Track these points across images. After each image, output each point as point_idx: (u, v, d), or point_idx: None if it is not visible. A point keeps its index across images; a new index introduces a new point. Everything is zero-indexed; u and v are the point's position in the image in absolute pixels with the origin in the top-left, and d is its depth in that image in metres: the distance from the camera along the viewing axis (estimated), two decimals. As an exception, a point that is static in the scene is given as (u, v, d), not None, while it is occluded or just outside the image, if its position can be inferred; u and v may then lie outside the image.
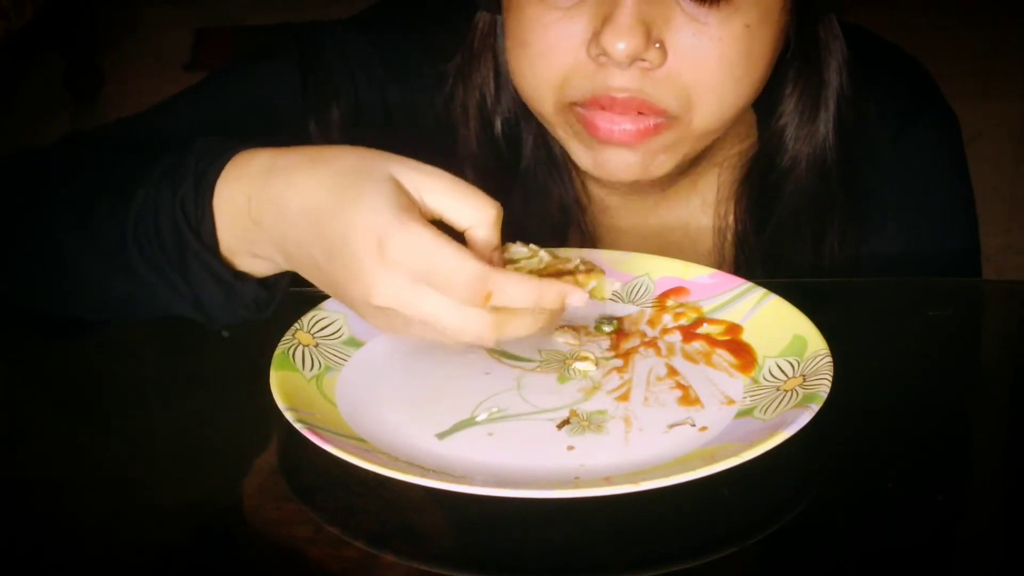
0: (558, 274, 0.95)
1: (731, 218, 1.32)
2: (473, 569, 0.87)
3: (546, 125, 1.22)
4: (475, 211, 0.95)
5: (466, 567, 0.88)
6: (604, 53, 1.10)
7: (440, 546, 0.90)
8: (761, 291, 1.12)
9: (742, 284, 1.14)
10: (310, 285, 0.98)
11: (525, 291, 0.91)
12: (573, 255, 0.99)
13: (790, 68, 1.23)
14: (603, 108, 1.13)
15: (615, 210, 1.33)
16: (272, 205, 0.96)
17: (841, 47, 1.24)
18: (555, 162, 1.29)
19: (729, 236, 1.32)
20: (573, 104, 1.15)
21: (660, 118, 1.14)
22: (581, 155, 1.18)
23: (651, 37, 1.10)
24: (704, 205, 1.33)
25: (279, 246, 0.97)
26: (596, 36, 1.11)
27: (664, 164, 1.18)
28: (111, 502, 0.95)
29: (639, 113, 1.13)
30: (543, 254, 0.98)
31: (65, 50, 3.91)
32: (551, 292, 0.92)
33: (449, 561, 0.88)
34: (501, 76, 1.26)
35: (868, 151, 1.30)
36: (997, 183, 3.36)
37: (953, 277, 1.34)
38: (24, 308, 1.14)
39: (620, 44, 1.09)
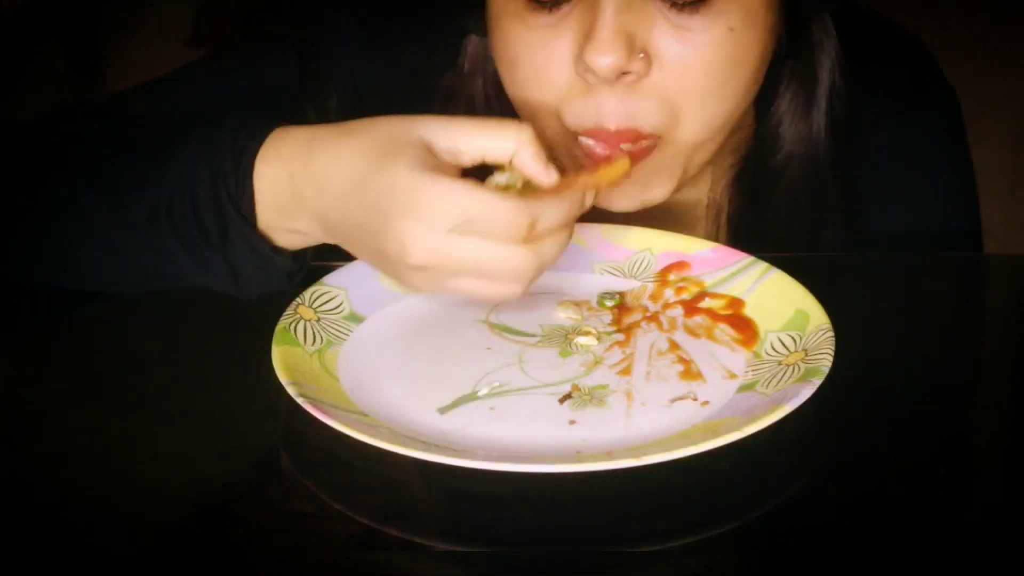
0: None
1: (723, 218, 1.31)
2: (474, 544, 0.88)
3: (552, 149, 1.21)
4: (511, 138, 0.97)
5: (468, 542, 0.88)
6: (589, 70, 1.09)
7: (441, 520, 0.90)
8: (763, 265, 1.12)
9: (744, 258, 1.14)
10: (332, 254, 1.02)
11: (563, 209, 0.96)
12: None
13: (783, 67, 1.22)
14: (601, 140, 1.13)
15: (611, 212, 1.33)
16: (315, 180, 0.99)
17: (835, 45, 1.23)
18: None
19: (724, 229, 1.32)
20: (575, 133, 1.14)
21: (649, 141, 1.13)
22: None
23: (634, 47, 1.09)
24: (700, 200, 1.32)
25: (321, 218, 1.00)
26: (580, 53, 1.09)
27: (664, 187, 1.17)
28: (112, 478, 0.95)
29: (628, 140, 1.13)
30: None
31: (67, 26, 3.90)
32: (576, 201, 0.97)
33: (451, 536, 0.88)
34: (489, 92, 1.26)
35: (868, 131, 1.30)
36: (999, 158, 3.36)
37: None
38: (33, 283, 1.14)
39: (604, 60, 1.08)
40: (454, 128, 0.97)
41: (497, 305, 1.10)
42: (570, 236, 0.98)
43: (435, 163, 0.95)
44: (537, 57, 1.13)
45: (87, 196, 1.07)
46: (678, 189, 1.20)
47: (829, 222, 1.28)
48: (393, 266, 0.97)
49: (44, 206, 1.10)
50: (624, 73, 1.09)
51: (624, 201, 1.18)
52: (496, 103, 1.26)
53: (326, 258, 1.11)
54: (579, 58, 1.10)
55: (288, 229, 1.04)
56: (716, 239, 1.30)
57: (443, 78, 1.28)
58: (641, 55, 1.09)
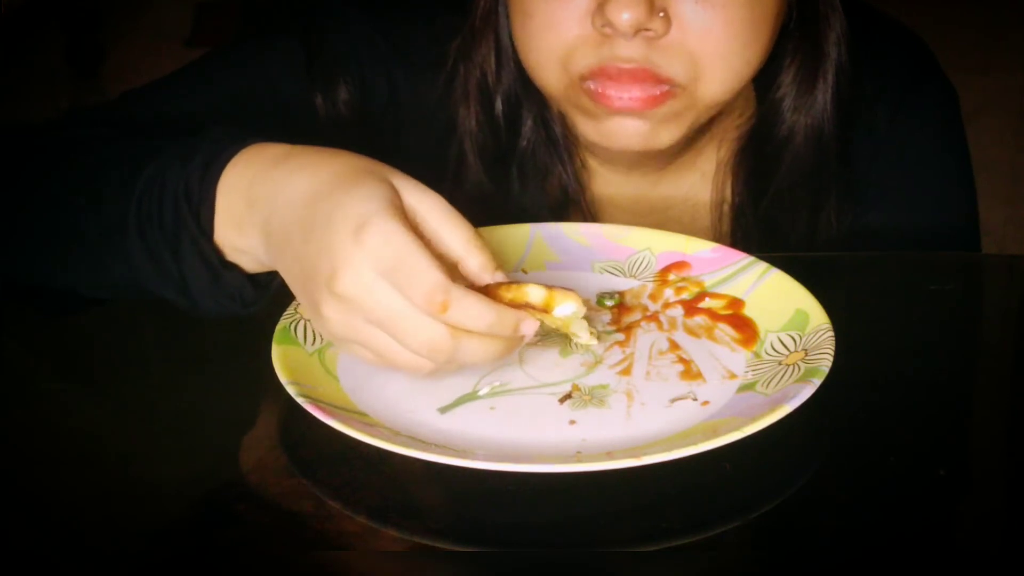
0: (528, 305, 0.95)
1: (728, 191, 1.32)
2: (474, 543, 0.88)
3: (550, 100, 1.22)
4: (460, 240, 0.94)
5: (467, 541, 0.88)
6: (609, 24, 1.10)
7: (441, 520, 0.90)
8: (763, 265, 1.12)
9: (744, 258, 1.14)
10: None
11: (481, 311, 0.91)
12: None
13: (789, 40, 1.23)
14: (610, 79, 1.13)
15: (615, 187, 1.33)
16: (270, 186, 0.96)
17: (840, 20, 1.24)
18: (555, 141, 1.29)
19: (726, 209, 1.32)
20: (580, 77, 1.15)
21: (667, 86, 1.14)
22: (587, 128, 1.18)
23: (655, 6, 1.10)
24: (703, 180, 1.33)
25: (263, 229, 0.96)
26: (600, 7, 1.11)
27: (671, 133, 1.18)
28: (113, 476, 0.95)
29: (646, 82, 1.13)
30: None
31: (67, 25, 3.90)
32: (508, 319, 0.92)
33: (450, 535, 0.88)
34: (502, 54, 1.26)
35: (867, 125, 1.30)
36: (998, 157, 3.36)
37: (952, 250, 1.34)
38: (30, 285, 1.15)
39: (625, 14, 1.09)
40: (420, 197, 0.94)
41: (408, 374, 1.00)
42: (497, 353, 0.93)
43: (398, 204, 0.92)
44: (553, 9, 1.14)
45: (74, 200, 1.07)
46: (683, 140, 1.21)
47: (830, 201, 1.29)
48: (317, 288, 0.92)
49: (34, 209, 1.10)
50: (643, 30, 1.11)
51: (629, 140, 1.18)
52: (509, 64, 1.26)
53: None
54: (599, 12, 1.11)
55: (235, 247, 0.99)
56: (719, 219, 1.31)
57: (452, 43, 1.28)
58: (661, 14, 1.11)
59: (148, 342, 1.12)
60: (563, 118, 1.26)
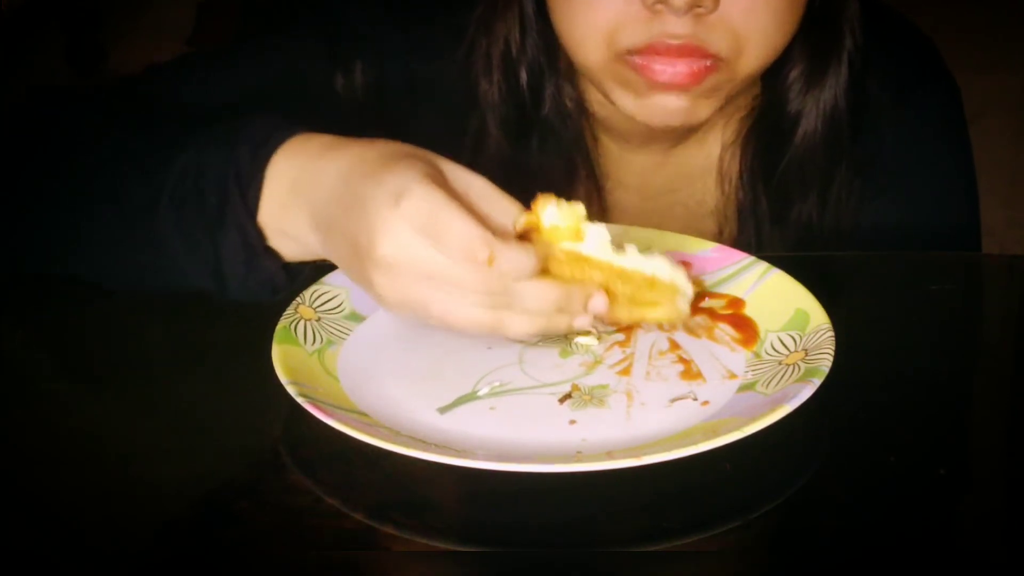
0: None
1: (736, 175, 1.32)
2: (474, 543, 0.88)
3: (588, 74, 1.22)
4: (509, 213, 0.97)
5: (467, 541, 0.88)
6: (663, 1, 1.10)
7: (441, 520, 0.90)
8: (764, 265, 1.12)
9: (745, 258, 1.14)
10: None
11: (524, 254, 0.94)
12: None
13: (803, 22, 1.23)
14: (658, 54, 1.14)
15: (623, 166, 1.33)
16: (316, 175, 0.99)
17: (855, 5, 1.26)
18: (567, 115, 1.29)
19: (733, 189, 1.32)
20: (627, 52, 1.15)
21: (710, 60, 1.15)
22: (627, 101, 1.19)
23: None
24: (708, 163, 1.33)
25: (309, 212, 0.99)
26: None
27: (709, 107, 1.19)
28: (113, 476, 0.95)
29: (692, 56, 1.14)
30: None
31: (67, 25, 3.90)
32: (565, 292, 0.96)
33: (450, 535, 0.88)
34: (526, 24, 1.26)
35: (871, 119, 1.30)
36: (999, 157, 3.35)
37: (952, 247, 1.34)
38: (37, 273, 1.14)
39: None
40: (472, 180, 0.97)
41: (467, 332, 1.02)
42: (559, 300, 0.96)
43: (437, 178, 0.94)
44: None
45: (97, 178, 1.07)
46: (715, 112, 1.22)
47: (840, 176, 1.29)
48: (362, 261, 0.95)
49: (53, 187, 1.10)
50: (695, 7, 1.11)
51: (670, 116, 1.18)
52: (532, 34, 1.27)
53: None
54: None
55: (281, 230, 1.02)
56: (726, 201, 1.31)
57: (472, 14, 1.29)
58: None
59: (148, 342, 1.12)
60: (577, 92, 1.27)
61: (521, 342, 1.05)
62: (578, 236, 0.98)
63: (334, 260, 1.00)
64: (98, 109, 1.19)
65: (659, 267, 1.00)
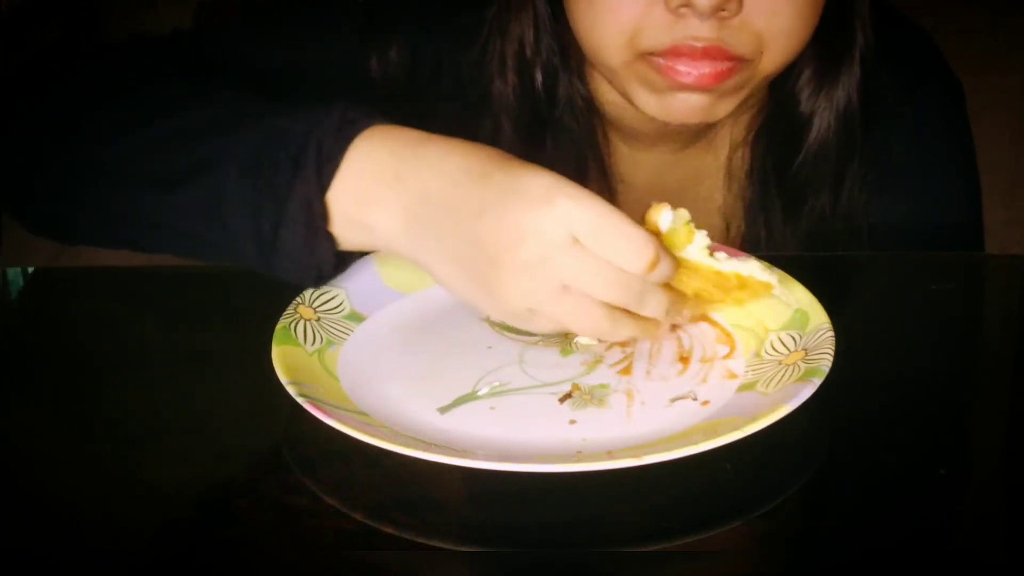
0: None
1: (744, 173, 1.32)
2: (473, 543, 0.88)
3: (607, 74, 1.22)
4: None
5: (467, 541, 0.88)
6: (688, 4, 1.10)
7: (440, 519, 0.90)
8: (764, 265, 1.12)
9: (746, 258, 1.13)
10: None
11: (673, 265, 0.96)
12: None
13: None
14: (682, 56, 1.14)
15: (632, 166, 1.33)
16: (421, 163, 0.96)
17: (866, 3, 1.26)
18: (579, 114, 1.29)
19: (744, 191, 1.32)
20: (649, 53, 1.15)
21: (733, 62, 1.15)
22: (647, 100, 1.18)
23: None
24: (718, 164, 1.34)
25: (408, 210, 0.96)
26: None
27: (728, 105, 1.19)
28: (113, 476, 0.95)
29: (716, 58, 1.14)
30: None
31: (66, 25, 3.90)
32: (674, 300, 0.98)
33: (450, 535, 0.88)
34: (540, 24, 1.26)
35: (879, 116, 1.30)
36: (999, 157, 3.35)
37: (956, 245, 1.34)
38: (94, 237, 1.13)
39: None
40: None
41: (598, 341, 1.06)
42: (668, 305, 0.98)
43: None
44: None
45: (147, 128, 1.06)
46: (735, 110, 1.22)
47: (852, 170, 1.30)
48: (495, 263, 0.93)
49: (104, 125, 1.09)
50: (720, 9, 1.11)
51: (690, 114, 1.18)
52: (547, 35, 1.27)
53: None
54: None
55: (356, 220, 0.99)
56: (734, 200, 1.31)
57: (488, 12, 1.29)
58: None
59: (148, 341, 1.12)
60: (588, 91, 1.27)
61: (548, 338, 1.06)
62: (689, 241, 0.99)
63: (431, 261, 0.97)
64: (167, 60, 1.19)
65: (752, 268, 1.02)
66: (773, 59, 1.17)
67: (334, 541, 0.87)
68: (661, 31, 1.13)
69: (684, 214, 0.98)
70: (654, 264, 0.93)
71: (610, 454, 0.90)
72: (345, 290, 1.09)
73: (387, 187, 0.97)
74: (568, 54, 1.25)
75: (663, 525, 0.88)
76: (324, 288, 1.09)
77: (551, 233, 0.91)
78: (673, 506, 0.90)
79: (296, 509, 0.90)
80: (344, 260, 1.03)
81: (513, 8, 1.26)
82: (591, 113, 1.30)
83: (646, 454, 0.88)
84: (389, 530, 0.87)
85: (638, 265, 0.92)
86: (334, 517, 0.89)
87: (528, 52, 1.27)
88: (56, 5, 3.88)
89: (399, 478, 0.91)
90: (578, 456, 0.91)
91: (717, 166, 1.34)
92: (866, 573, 0.85)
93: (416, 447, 0.90)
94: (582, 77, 1.28)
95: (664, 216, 0.97)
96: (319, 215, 0.98)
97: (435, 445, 0.91)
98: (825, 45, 1.25)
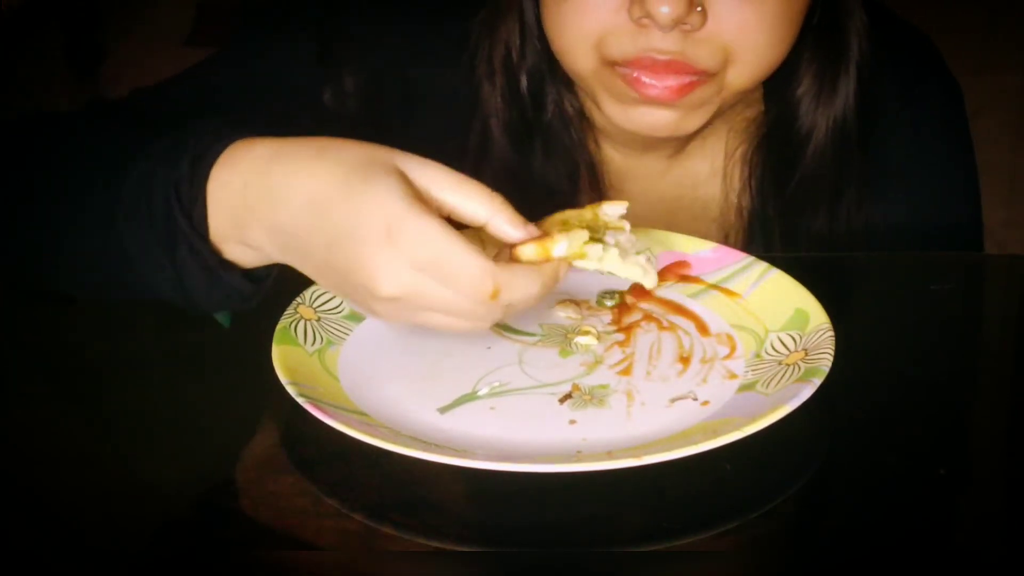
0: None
1: (741, 185, 1.32)
2: (473, 543, 0.88)
3: (577, 80, 1.22)
4: (485, 205, 0.94)
5: (468, 541, 0.88)
6: (648, 16, 1.10)
7: (441, 520, 0.90)
8: (763, 265, 1.12)
9: (744, 258, 1.14)
10: (297, 276, 0.98)
11: (529, 282, 0.92)
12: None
13: (809, 35, 1.23)
14: (645, 68, 1.14)
15: (625, 174, 1.33)
16: (269, 193, 0.95)
17: (861, 15, 1.25)
18: (568, 121, 1.29)
19: (740, 202, 1.32)
20: (613, 63, 1.15)
21: (698, 75, 1.14)
22: (614, 110, 1.18)
23: (693, 1, 1.10)
24: (713, 171, 1.33)
25: (272, 236, 0.96)
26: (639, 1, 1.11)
27: (698, 119, 1.19)
28: (113, 476, 0.95)
29: (680, 73, 1.14)
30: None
31: (66, 25, 3.90)
32: (550, 280, 0.93)
33: (450, 535, 0.88)
34: (526, 30, 1.26)
35: (877, 125, 1.30)
36: (999, 157, 3.36)
37: (955, 248, 1.34)
38: (14, 285, 1.14)
39: (664, 8, 1.09)
40: (430, 174, 0.94)
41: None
42: (540, 298, 0.94)
43: (414, 192, 0.91)
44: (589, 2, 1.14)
45: (54, 192, 1.06)
46: (706, 124, 1.21)
47: (850, 191, 1.29)
48: (359, 295, 0.93)
49: (15, 201, 1.10)
50: (680, 22, 1.11)
51: (657, 128, 1.18)
52: (533, 41, 1.26)
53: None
54: (637, 3, 1.11)
55: (239, 241, 0.98)
56: (729, 211, 1.31)
57: (475, 19, 1.28)
58: (699, 8, 1.11)
59: (148, 342, 1.12)
60: (578, 100, 1.27)
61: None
62: (579, 258, 0.96)
63: (313, 278, 0.98)
64: (82, 119, 1.18)
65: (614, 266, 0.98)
66: (741, 74, 1.16)
67: (334, 541, 0.87)
68: (625, 40, 1.13)
69: (582, 237, 0.95)
70: (495, 295, 0.91)
71: (610, 454, 0.90)
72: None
73: (248, 214, 0.96)
74: (555, 61, 1.25)
75: (663, 525, 0.88)
76: (324, 288, 1.08)
77: (397, 271, 0.90)
78: (673, 506, 0.90)
79: (296, 509, 0.90)
80: (264, 273, 1.02)
81: (501, 12, 1.26)
82: (581, 120, 1.29)
83: (646, 454, 0.88)
84: (389, 530, 0.87)
85: (478, 298, 0.91)
86: (334, 517, 0.89)
87: (514, 57, 1.27)
88: (56, 5, 3.88)
89: (399, 478, 0.91)
90: (578, 456, 0.92)
91: (713, 173, 1.34)
92: (866, 573, 0.85)
93: (416, 447, 0.90)
94: (570, 84, 1.28)
95: (559, 247, 0.94)
96: (208, 254, 0.98)
97: (435, 445, 0.91)
98: (822, 60, 1.25)
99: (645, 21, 1.11)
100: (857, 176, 1.29)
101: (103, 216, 1.01)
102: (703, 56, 1.13)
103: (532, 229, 0.95)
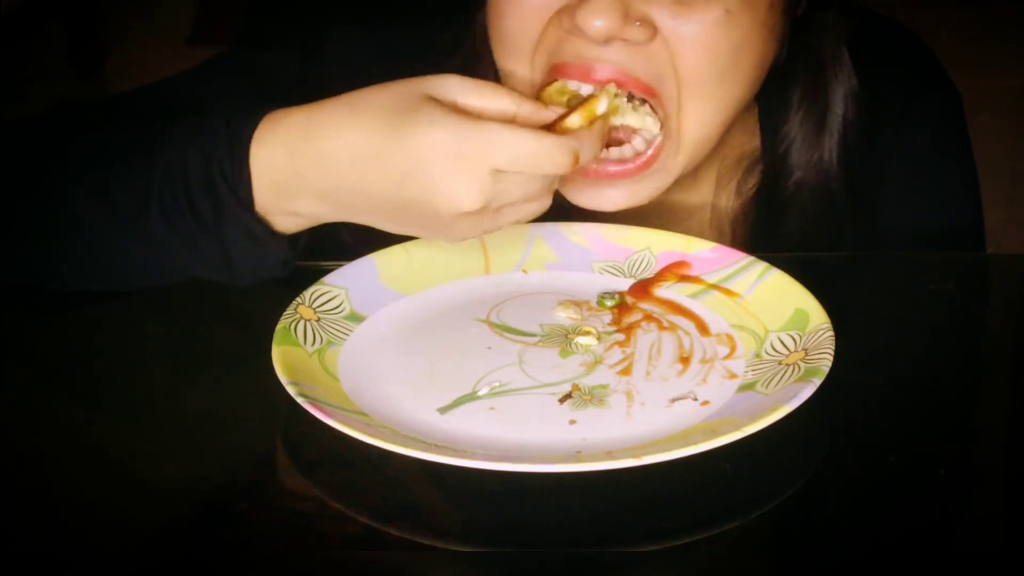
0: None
1: (732, 213, 1.31)
2: (474, 543, 0.88)
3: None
4: (506, 100, 1.00)
5: (468, 541, 0.88)
6: (577, 28, 1.09)
7: (441, 520, 0.90)
8: (763, 265, 1.12)
9: (744, 258, 1.14)
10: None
11: (593, 140, 1.02)
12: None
13: (795, 90, 1.23)
14: (582, 79, 1.11)
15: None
16: (319, 158, 0.99)
17: (849, 77, 1.23)
18: None
19: (729, 223, 1.31)
20: (553, 70, 1.13)
21: (650, 150, 1.14)
22: (566, 189, 1.16)
23: (630, 15, 1.09)
24: (702, 198, 1.31)
25: (327, 198, 1.01)
26: (570, 11, 1.10)
27: (656, 184, 1.17)
28: (113, 476, 0.95)
29: (620, 143, 1.14)
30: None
31: (68, 24, 3.90)
32: (601, 130, 1.04)
33: (451, 535, 0.88)
34: (500, 78, 1.25)
35: (873, 128, 1.30)
36: (998, 157, 3.36)
37: (957, 251, 1.34)
38: (28, 286, 1.14)
39: (596, 22, 1.08)
40: (452, 85, 0.99)
41: None
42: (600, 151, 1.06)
43: (455, 109, 0.97)
44: (525, 9, 1.13)
45: (75, 192, 1.07)
46: (675, 189, 1.20)
47: (841, 237, 1.28)
48: (441, 222, 0.98)
49: (34, 204, 1.10)
50: (618, 39, 1.10)
51: (614, 204, 1.16)
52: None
53: (326, 257, 1.11)
54: (567, 13, 1.10)
55: (287, 211, 1.03)
56: (724, 228, 1.30)
57: (453, 58, 1.28)
58: (638, 23, 1.09)
59: (148, 342, 1.12)
60: None
61: None
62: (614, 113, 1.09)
63: (360, 222, 1.03)
64: (84, 116, 1.19)
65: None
66: (693, 116, 1.14)
67: (334, 542, 0.87)
68: (567, 54, 1.12)
69: (612, 90, 1.08)
70: (575, 163, 0.98)
71: (610, 454, 0.90)
72: (345, 290, 1.09)
73: (296, 183, 1.01)
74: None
75: (663, 525, 0.88)
76: (324, 288, 1.09)
77: (478, 182, 0.96)
78: (673, 506, 0.90)
79: (296, 510, 0.90)
80: (300, 242, 1.07)
81: (476, 61, 1.25)
82: None
83: (646, 454, 0.88)
84: (389, 530, 0.87)
85: (561, 169, 0.98)
86: (334, 518, 0.89)
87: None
88: (58, 4, 3.88)
89: (399, 478, 0.91)
90: (578, 456, 0.92)
91: (702, 204, 1.32)
92: (866, 573, 0.85)
93: (416, 447, 0.90)
94: None
95: (602, 104, 1.05)
96: (259, 228, 1.03)
97: (435, 445, 0.91)
98: (808, 117, 1.24)
99: (579, 35, 1.10)
100: (856, 231, 1.28)
101: (132, 210, 1.04)
102: (646, 72, 1.11)
103: (557, 108, 1.03)
